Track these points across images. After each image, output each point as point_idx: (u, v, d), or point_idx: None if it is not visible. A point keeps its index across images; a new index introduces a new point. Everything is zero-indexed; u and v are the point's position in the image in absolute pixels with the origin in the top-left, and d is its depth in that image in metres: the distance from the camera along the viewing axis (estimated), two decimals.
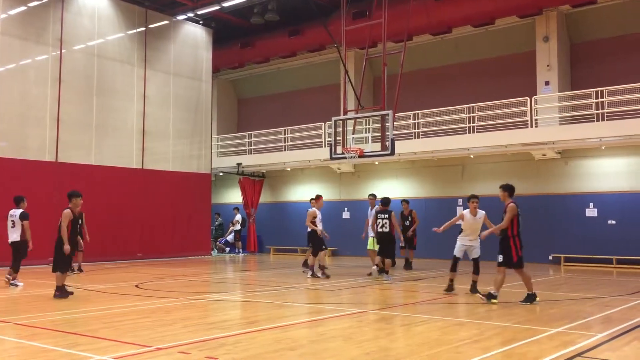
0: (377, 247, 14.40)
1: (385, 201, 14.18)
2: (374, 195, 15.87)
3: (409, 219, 16.78)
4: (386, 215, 13.75)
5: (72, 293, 10.59)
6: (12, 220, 12.31)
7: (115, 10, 20.60)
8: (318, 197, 15.06)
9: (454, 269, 11.07)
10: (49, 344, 6.52)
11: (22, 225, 12.18)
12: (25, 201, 12.61)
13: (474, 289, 10.90)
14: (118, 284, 13.14)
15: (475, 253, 11.05)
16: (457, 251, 11.12)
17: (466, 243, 11.09)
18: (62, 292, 10.49)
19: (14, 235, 12.27)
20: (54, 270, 10.66)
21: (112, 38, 20.50)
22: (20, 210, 12.30)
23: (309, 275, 14.31)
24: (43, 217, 17.97)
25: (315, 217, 14.46)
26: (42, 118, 18.46)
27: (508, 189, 9.99)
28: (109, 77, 20.27)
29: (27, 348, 6.37)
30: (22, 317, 8.44)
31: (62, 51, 18.96)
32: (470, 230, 11.05)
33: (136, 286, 12.60)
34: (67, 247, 10.43)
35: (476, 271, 11.02)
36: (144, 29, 21.34)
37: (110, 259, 18.99)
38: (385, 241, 13.83)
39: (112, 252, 19.31)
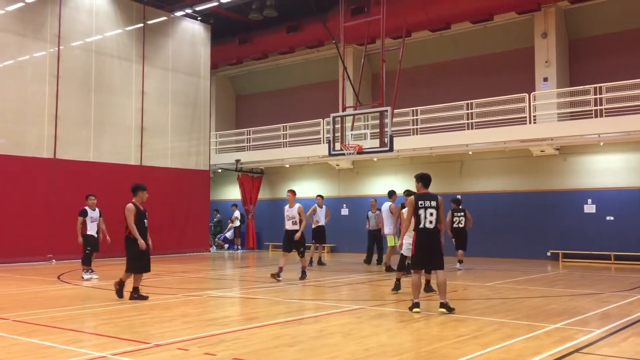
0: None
1: (458, 201, 16.00)
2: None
3: None
4: (462, 214, 15.67)
5: (146, 297, 9.75)
6: None
7: (113, 7, 20.56)
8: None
9: (401, 268, 10.65)
10: (48, 340, 6.52)
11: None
12: (88, 198, 13.41)
13: (428, 288, 10.43)
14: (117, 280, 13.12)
15: None
16: (405, 250, 10.72)
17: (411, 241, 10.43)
18: (138, 294, 9.75)
19: None
20: (126, 271, 9.89)
21: (110, 34, 20.47)
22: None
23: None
24: (41, 214, 18.03)
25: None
26: (40, 115, 18.43)
27: (421, 179, 8.92)
28: (107, 73, 20.24)
29: (25, 345, 6.36)
30: (21, 313, 8.43)
31: (60, 47, 18.92)
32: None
33: None
34: (142, 243, 9.54)
35: (427, 270, 9.93)
36: (142, 25, 21.31)
37: (108, 256, 18.94)
38: (461, 235, 15.61)
39: (111, 249, 19.24)
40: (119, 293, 9.86)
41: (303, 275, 13.11)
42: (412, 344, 6.55)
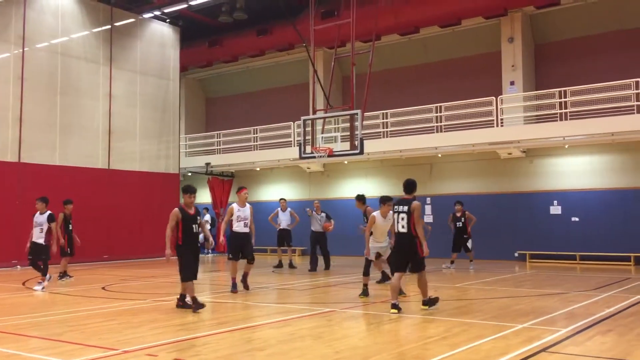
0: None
1: (460, 201, 16.87)
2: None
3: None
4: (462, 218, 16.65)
5: (203, 305, 9.16)
6: None
7: (79, 8, 20.23)
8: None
9: (367, 273, 10.60)
10: (12, 348, 6.37)
11: None
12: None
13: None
14: (84, 286, 12.91)
15: (388, 253, 10.35)
16: (372, 255, 10.65)
17: (377, 245, 10.56)
18: (183, 302, 9.33)
19: None
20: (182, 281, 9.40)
21: (76, 36, 20.14)
22: None
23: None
24: (6, 220, 17.62)
25: None
26: (4, 118, 18.03)
27: (403, 185, 9.25)
28: (73, 75, 19.91)
29: None
30: None
31: (25, 49, 18.54)
32: (379, 232, 10.50)
33: (103, 288, 12.40)
34: (167, 252, 9.04)
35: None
36: (109, 27, 21.01)
37: (75, 261, 18.61)
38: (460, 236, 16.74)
39: (78, 254, 18.86)
40: (183, 303, 9.39)
41: (245, 283, 11.85)
42: (383, 345, 6.58)
